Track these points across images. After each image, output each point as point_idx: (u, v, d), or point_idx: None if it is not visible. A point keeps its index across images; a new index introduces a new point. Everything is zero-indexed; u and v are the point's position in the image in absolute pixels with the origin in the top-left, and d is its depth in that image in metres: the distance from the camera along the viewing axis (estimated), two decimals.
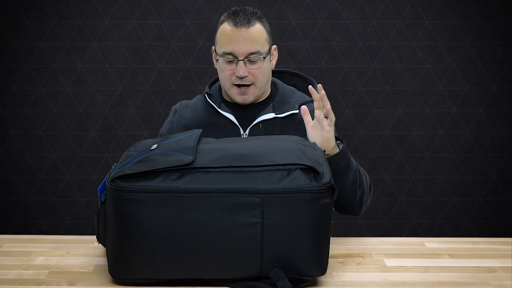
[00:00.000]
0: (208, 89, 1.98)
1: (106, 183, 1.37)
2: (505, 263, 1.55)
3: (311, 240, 1.35)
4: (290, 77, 2.04)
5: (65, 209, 3.27)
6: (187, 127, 1.89)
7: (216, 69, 1.94)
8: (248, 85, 1.87)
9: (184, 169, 1.35)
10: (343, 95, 3.21)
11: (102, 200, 1.41)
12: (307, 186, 1.34)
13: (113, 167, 1.42)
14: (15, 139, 3.24)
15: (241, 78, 1.85)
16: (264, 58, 1.86)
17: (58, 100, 3.23)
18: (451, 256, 1.60)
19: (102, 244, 1.43)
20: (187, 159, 1.36)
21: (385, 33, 3.21)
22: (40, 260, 1.56)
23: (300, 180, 1.34)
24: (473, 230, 3.28)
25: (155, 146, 1.45)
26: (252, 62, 1.85)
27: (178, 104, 2.01)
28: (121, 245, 1.36)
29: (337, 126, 1.92)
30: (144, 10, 3.19)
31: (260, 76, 1.87)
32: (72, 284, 1.42)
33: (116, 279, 1.40)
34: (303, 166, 1.36)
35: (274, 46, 1.94)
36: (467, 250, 1.65)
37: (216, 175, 1.34)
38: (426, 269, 1.50)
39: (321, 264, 1.39)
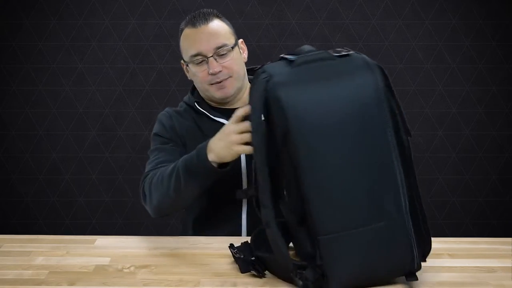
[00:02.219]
0: (192, 97, 1.92)
1: None
2: (505, 263, 1.55)
3: None
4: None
5: (65, 209, 3.27)
6: (188, 135, 1.85)
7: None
8: (226, 79, 1.82)
9: None
10: None
11: None
12: None
13: None
14: (15, 139, 3.24)
15: (216, 74, 1.80)
16: (233, 48, 1.82)
17: (58, 100, 3.23)
18: (451, 256, 1.60)
19: None
20: None
21: (385, 33, 3.20)
22: (40, 260, 1.56)
23: None
24: (473, 230, 3.28)
25: None
26: (222, 56, 1.81)
27: (167, 112, 1.92)
28: None
29: None
30: (144, 10, 3.19)
31: (236, 67, 1.82)
32: (72, 284, 1.42)
33: None
34: None
35: (241, 40, 1.90)
36: (467, 250, 1.65)
37: None
38: (426, 269, 1.49)
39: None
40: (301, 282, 1.32)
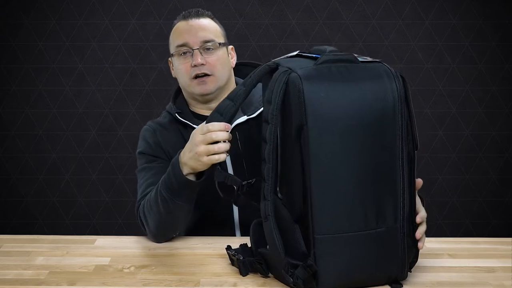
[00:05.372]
0: (174, 107, 1.86)
1: None
2: (505, 263, 1.55)
3: None
4: (244, 68, 1.95)
5: (65, 209, 3.27)
6: (174, 150, 1.77)
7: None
8: (208, 75, 1.78)
9: None
10: None
11: None
12: None
13: None
14: (15, 139, 3.25)
15: (198, 66, 1.77)
16: (220, 45, 1.80)
17: (58, 100, 3.23)
18: (451, 256, 1.60)
19: None
20: None
21: (385, 33, 3.21)
22: (40, 260, 1.56)
23: None
24: (473, 230, 3.28)
25: None
26: (207, 50, 1.79)
27: (150, 127, 1.86)
28: None
29: None
30: (144, 10, 3.19)
31: (219, 66, 1.79)
32: (72, 284, 1.42)
33: None
34: None
35: (231, 47, 1.87)
36: (467, 250, 1.65)
37: None
38: (426, 269, 1.49)
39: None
40: (291, 280, 1.33)
